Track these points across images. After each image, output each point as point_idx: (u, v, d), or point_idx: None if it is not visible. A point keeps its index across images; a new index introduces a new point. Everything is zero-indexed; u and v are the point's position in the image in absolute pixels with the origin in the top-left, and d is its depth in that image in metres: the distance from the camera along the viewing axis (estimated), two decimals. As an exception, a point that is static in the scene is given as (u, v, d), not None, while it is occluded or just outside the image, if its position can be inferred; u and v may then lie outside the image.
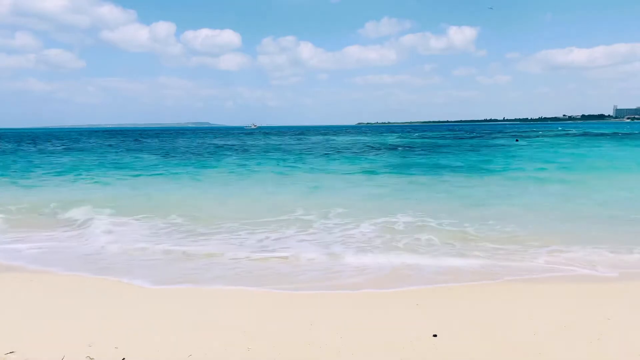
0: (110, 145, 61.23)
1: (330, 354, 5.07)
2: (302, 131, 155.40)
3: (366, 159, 36.06)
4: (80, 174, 25.98)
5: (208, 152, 45.96)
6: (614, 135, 72.74)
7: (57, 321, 6.02)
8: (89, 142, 72.20)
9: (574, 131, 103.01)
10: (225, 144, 63.06)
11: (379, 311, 6.42)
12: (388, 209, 13.89)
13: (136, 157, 39.68)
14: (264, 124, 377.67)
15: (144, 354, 5.05)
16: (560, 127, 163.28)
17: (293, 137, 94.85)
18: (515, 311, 6.34)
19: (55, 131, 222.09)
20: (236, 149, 50.93)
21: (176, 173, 26.54)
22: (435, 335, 5.45)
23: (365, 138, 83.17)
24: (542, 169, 25.90)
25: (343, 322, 5.98)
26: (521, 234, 10.88)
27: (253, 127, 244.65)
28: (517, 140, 60.76)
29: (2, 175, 26.08)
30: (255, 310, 6.54)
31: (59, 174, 26.51)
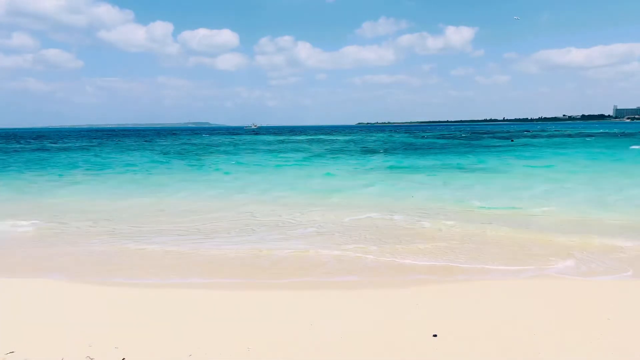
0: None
1: (331, 354, 5.07)
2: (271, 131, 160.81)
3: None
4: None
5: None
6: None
7: (57, 321, 6.03)
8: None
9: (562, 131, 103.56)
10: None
11: (378, 311, 6.42)
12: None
13: None
14: (264, 124, 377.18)
15: (144, 354, 5.06)
16: (554, 127, 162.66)
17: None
18: (515, 311, 6.34)
19: (46, 131, 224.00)
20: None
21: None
22: (435, 335, 5.45)
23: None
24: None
25: (343, 322, 5.98)
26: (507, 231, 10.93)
27: (254, 127, 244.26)
28: (512, 141, 60.92)
29: None
30: (255, 309, 6.54)
31: None
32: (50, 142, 72.76)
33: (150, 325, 5.92)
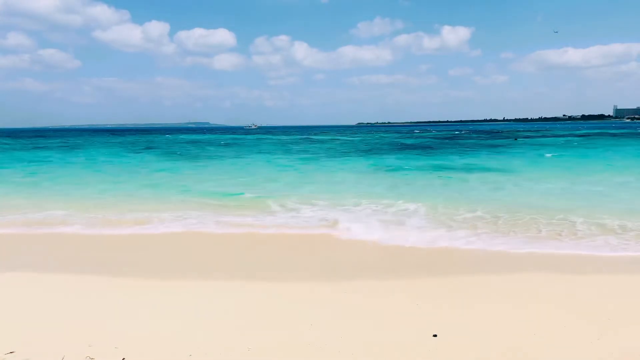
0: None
1: (331, 354, 5.07)
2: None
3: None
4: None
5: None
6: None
7: (57, 321, 6.03)
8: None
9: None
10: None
11: (378, 311, 6.41)
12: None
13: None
14: (264, 124, 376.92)
15: (144, 354, 5.05)
16: (548, 127, 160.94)
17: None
18: (515, 311, 6.34)
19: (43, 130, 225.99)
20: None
21: None
22: (435, 335, 5.45)
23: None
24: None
25: (343, 322, 5.98)
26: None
27: (254, 127, 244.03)
28: (515, 139, 61.66)
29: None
30: (255, 307, 6.54)
31: None
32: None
33: (150, 324, 5.92)
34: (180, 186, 20.29)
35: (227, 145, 61.75)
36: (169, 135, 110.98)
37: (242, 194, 17.48)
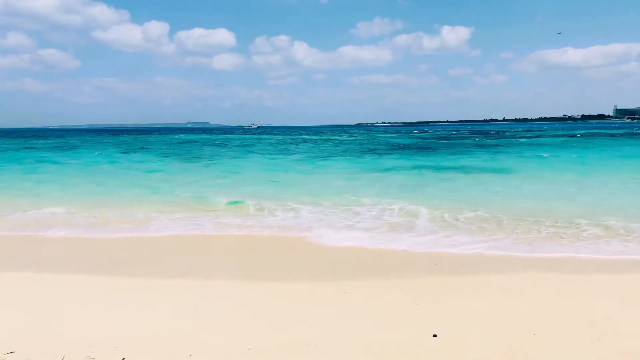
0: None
1: (331, 354, 5.07)
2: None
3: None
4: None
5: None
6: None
7: (57, 321, 6.03)
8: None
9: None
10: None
11: (378, 311, 6.42)
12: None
13: None
14: (264, 124, 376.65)
15: (144, 354, 5.06)
16: (547, 127, 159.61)
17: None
18: (515, 310, 6.34)
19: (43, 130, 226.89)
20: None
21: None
22: (435, 335, 5.45)
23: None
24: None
25: (343, 322, 5.98)
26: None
27: (254, 127, 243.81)
28: (516, 140, 62.32)
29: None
30: (255, 307, 6.54)
31: None
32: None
33: (150, 324, 5.92)
34: (175, 187, 20.19)
35: (224, 145, 61.88)
36: (166, 135, 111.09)
37: (238, 194, 17.44)
